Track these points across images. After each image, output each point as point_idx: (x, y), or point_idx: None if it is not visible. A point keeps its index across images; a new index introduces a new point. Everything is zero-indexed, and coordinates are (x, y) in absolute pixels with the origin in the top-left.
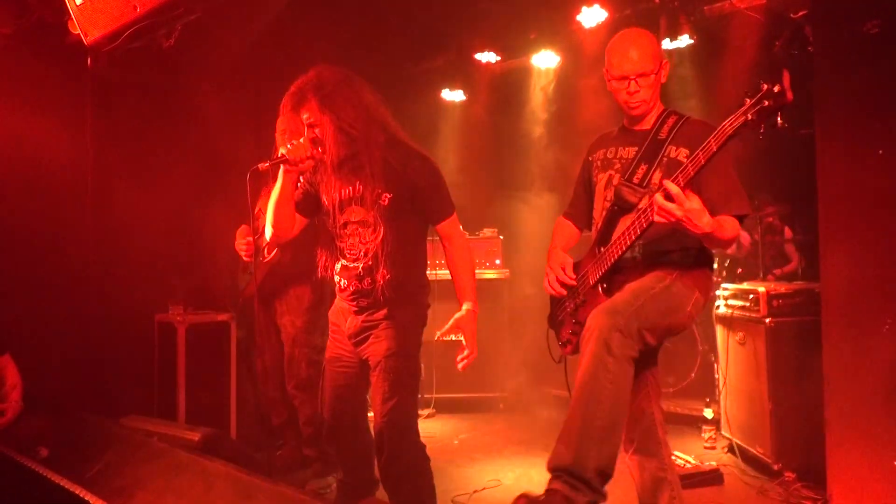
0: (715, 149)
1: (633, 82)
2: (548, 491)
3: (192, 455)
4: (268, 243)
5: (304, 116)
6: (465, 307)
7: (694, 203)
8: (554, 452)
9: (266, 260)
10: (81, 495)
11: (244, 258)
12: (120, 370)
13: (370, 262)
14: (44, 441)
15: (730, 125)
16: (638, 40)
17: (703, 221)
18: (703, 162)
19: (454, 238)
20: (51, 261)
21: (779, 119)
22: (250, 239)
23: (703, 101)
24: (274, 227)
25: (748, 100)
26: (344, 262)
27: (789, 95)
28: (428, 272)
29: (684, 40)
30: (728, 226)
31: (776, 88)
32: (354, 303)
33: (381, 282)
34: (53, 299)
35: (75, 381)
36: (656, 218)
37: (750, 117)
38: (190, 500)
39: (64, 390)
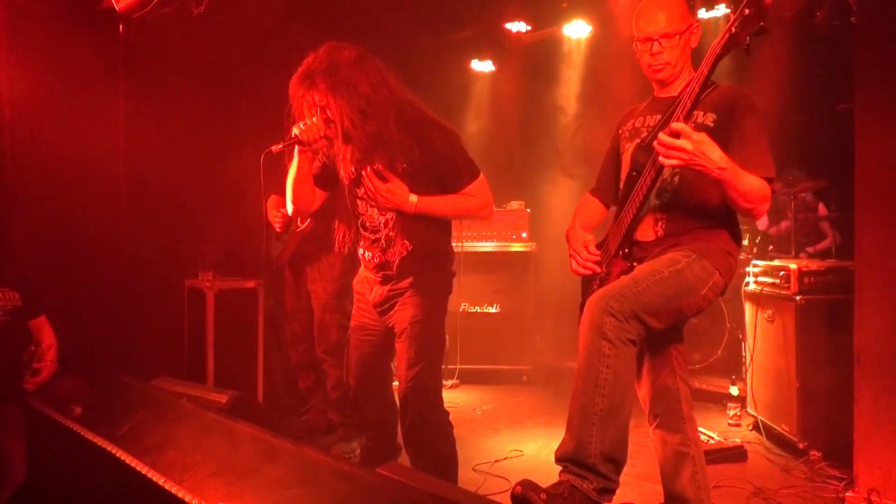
0: (706, 72)
1: (656, 43)
2: (556, 482)
3: (220, 416)
4: (294, 216)
5: (316, 98)
6: (411, 198)
7: (703, 137)
8: (560, 443)
9: (300, 230)
10: (113, 452)
11: (277, 230)
12: (151, 333)
13: (391, 233)
14: (77, 399)
15: (717, 44)
16: (665, 2)
17: (715, 155)
18: (697, 90)
19: (477, 196)
20: (84, 226)
21: (762, 24)
22: (284, 210)
23: (738, 72)
24: (294, 203)
25: (731, 16)
26: (365, 233)
27: (768, 0)
28: (454, 243)
29: (721, 9)
30: (752, 179)
31: None
32: (379, 273)
33: (404, 252)
34: (87, 264)
35: (108, 342)
36: (665, 161)
37: (734, 30)
38: (217, 460)
39: (97, 351)
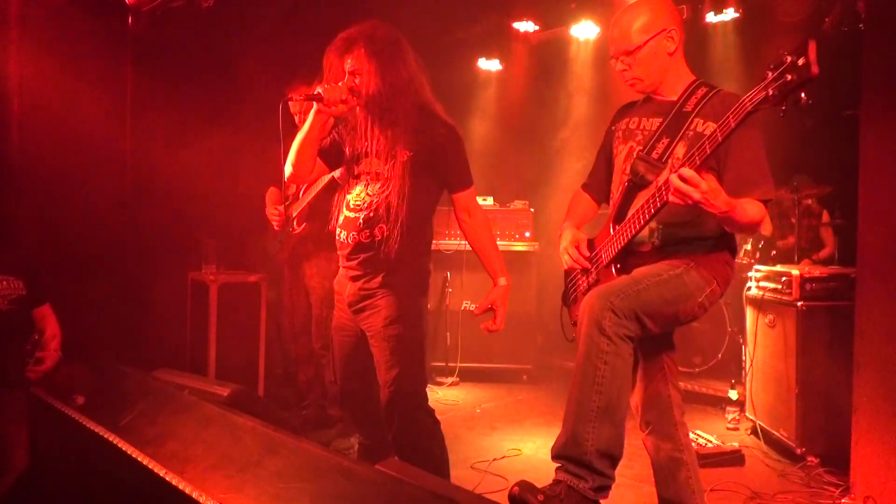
0: (733, 125)
1: (618, 62)
2: (552, 483)
3: (221, 409)
4: (288, 181)
5: (348, 63)
6: (500, 282)
7: (711, 184)
8: (556, 439)
9: (296, 233)
10: (114, 442)
11: (275, 227)
12: (154, 324)
13: (371, 215)
14: (80, 389)
15: (749, 101)
16: (622, 17)
17: (719, 202)
18: (720, 140)
19: (474, 211)
20: (90, 217)
21: (803, 95)
22: (280, 208)
23: (746, 77)
24: (294, 165)
25: (770, 73)
26: (346, 212)
27: (814, 69)
28: (457, 242)
29: (729, 13)
30: (750, 209)
31: (800, 61)
32: (352, 261)
33: (379, 237)
34: (92, 254)
35: (111, 333)
36: (671, 199)
37: (771, 92)
38: (217, 452)
39: (100, 342)
